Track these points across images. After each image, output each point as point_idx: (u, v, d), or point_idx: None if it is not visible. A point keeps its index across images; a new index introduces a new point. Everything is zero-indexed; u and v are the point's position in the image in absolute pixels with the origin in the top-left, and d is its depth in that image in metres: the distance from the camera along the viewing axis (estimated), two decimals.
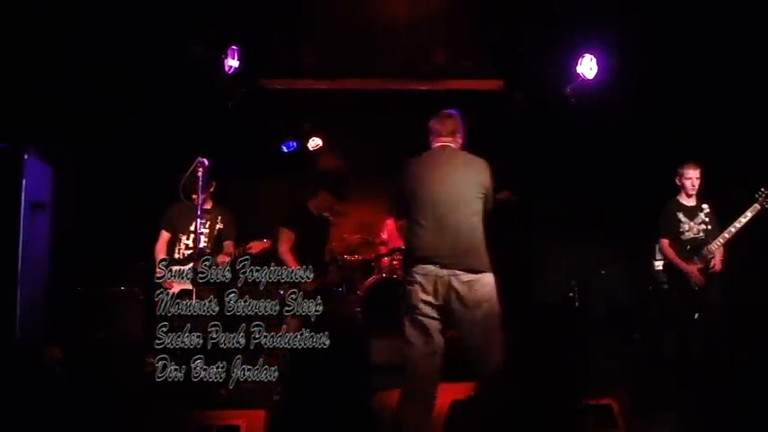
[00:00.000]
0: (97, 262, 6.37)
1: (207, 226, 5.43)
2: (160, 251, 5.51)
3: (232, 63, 6.00)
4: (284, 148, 8.30)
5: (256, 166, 7.92)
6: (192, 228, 5.33)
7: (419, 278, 3.92)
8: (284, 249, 6.03)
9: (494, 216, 4.29)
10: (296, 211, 6.38)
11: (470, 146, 7.41)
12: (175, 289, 5.32)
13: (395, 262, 7.44)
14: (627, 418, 3.93)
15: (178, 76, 6.29)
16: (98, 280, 6.33)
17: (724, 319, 5.41)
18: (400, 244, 7.49)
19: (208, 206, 5.42)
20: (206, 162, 4.81)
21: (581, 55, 6.20)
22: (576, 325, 7.03)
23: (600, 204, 7.35)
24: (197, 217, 4.91)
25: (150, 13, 5.69)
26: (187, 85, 6.42)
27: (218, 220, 5.55)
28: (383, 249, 7.81)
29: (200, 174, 4.83)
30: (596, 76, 6.17)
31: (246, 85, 6.59)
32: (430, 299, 3.91)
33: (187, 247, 5.41)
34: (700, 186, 5.63)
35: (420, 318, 3.93)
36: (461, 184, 4.04)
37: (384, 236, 7.96)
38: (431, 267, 3.91)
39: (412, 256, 4.00)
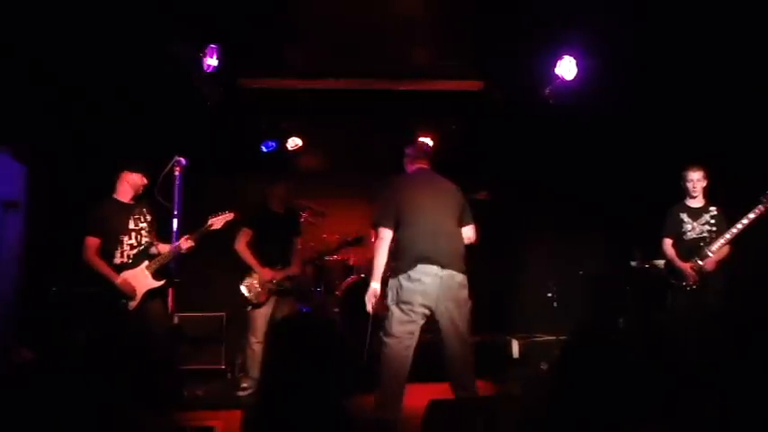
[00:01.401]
0: (72, 262, 6.28)
1: (144, 220, 5.27)
2: (98, 259, 5.10)
3: (211, 62, 5.95)
4: (263, 147, 8.25)
5: (235, 165, 7.87)
6: (131, 226, 5.18)
7: (420, 276, 4.45)
8: (241, 247, 5.93)
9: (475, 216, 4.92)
10: (254, 208, 6.21)
11: (451, 146, 7.45)
12: (141, 291, 5.09)
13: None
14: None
15: (156, 75, 6.23)
16: (73, 281, 6.24)
17: (720, 322, 5.40)
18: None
19: (128, 200, 5.26)
20: (183, 161, 4.78)
21: (560, 56, 6.22)
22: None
23: (579, 205, 7.38)
24: (175, 213, 4.88)
25: (128, 11, 5.63)
26: (165, 83, 6.36)
27: (147, 212, 5.34)
28: (362, 249, 7.78)
29: (177, 173, 4.80)
30: (575, 77, 6.19)
31: (226, 85, 6.54)
32: (428, 296, 4.45)
33: (132, 247, 5.18)
34: (706, 188, 5.65)
35: (412, 314, 4.47)
36: (448, 199, 4.76)
37: (372, 238, 7.92)
38: (434, 268, 4.46)
39: (411, 258, 4.49)
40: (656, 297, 5.93)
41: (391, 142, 8.49)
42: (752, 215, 5.33)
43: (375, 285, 4.65)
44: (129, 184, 5.23)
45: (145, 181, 5.13)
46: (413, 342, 4.51)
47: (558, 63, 6.22)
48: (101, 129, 6.57)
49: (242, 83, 7.39)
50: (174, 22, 5.80)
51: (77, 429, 4.05)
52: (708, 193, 5.67)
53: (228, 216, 5.49)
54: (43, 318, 5.84)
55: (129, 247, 5.17)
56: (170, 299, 4.81)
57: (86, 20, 5.57)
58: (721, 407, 4.29)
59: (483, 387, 5.88)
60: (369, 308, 4.71)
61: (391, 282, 4.63)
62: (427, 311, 4.53)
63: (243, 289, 5.82)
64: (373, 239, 7.69)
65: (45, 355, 5.16)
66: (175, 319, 5.24)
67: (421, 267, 4.47)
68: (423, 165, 4.95)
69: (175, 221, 4.76)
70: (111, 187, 5.26)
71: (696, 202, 5.67)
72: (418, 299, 4.47)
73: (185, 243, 5.22)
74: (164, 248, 5.28)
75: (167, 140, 5.87)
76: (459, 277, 4.60)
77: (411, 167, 4.97)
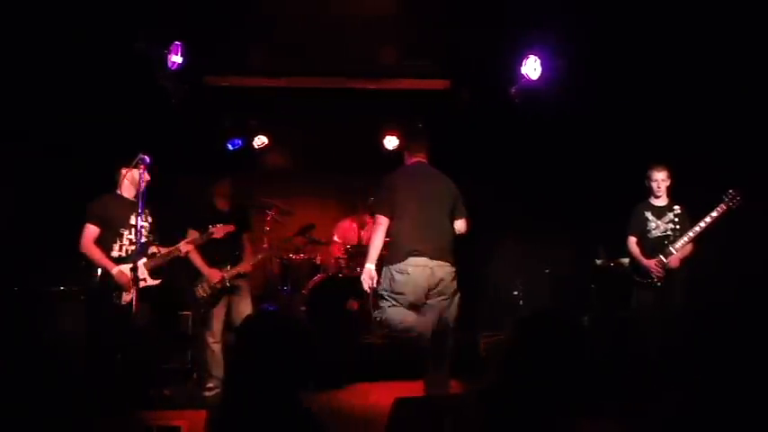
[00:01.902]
0: (36, 261, 6.18)
1: (145, 219, 5.20)
2: (95, 248, 5.12)
3: (176, 59, 5.91)
4: (229, 145, 8.21)
5: (201, 163, 7.80)
6: (133, 221, 5.13)
7: (410, 269, 4.75)
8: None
9: None
10: (199, 209, 5.98)
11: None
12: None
13: (340, 261, 7.44)
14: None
15: (121, 72, 6.15)
16: (37, 279, 6.15)
17: (684, 319, 5.48)
18: (353, 242, 7.54)
19: (131, 197, 5.26)
20: (147, 159, 4.74)
21: (526, 56, 6.28)
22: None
23: (545, 203, 7.44)
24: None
25: (94, 8, 5.56)
26: (130, 80, 6.28)
27: (148, 213, 5.30)
28: (335, 249, 7.79)
29: (141, 171, 4.76)
30: (540, 76, 6.26)
31: (191, 82, 6.48)
32: (418, 288, 4.77)
33: (131, 243, 5.17)
34: (670, 187, 5.74)
35: (402, 303, 4.78)
36: (441, 192, 5.03)
37: (336, 238, 7.94)
38: (423, 259, 4.76)
39: (403, 250, 4.80)
40: (621, 295, 6.02)
41: (358, 140, 8.57)
42: (714, 213, 5.43)
43: (370, 266, 4.91)
44: (129, 181, 5.23)
45: (147, 177, 5.00)
46: (408, 324, 4.79)
47: (524, 63, 6.28)
48: (65, 126, 6.47)
49: (207, 80, 7.35)
50: (139, 19, 5.75)
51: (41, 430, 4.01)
52: (671, 191, 5.76)
53: (230, 228, 5.62)
54: (7, 317, 5.75)
55: (128, 242, 5.17)
56: (134, 297, 4.73)
57: (51, 15, 5.50)
58: (681, 405, 4.37)
59: (452, 385, 5.94)
60: (366, 287, 4.96)
61: (384, 270, 4.92)
62: (416, 301, 4.83)
63: (196, 290, 5.75)
64: (336, 237, 7.86)
65: (9, 355, 5.09)
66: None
67: (412, 260, 4.76)
68: (421, 158, 5.20)
69: (140, 219, 4.70)
70: (114, 184, 5.31)
71: (660, 201, 5.76)
72: (409, 289, 4.77)
73: (185, 247, 5.34)
74: (162, 250, 5.31)
75: (132, 138, 5.81)
76: (449, 268, 4.89)
77: (410, 160, 5.22)
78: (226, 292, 5.78)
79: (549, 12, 5.79)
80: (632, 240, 5.83)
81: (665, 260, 5.56)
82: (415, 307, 4.85)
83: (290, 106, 8.11)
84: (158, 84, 6.06)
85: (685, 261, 5.57)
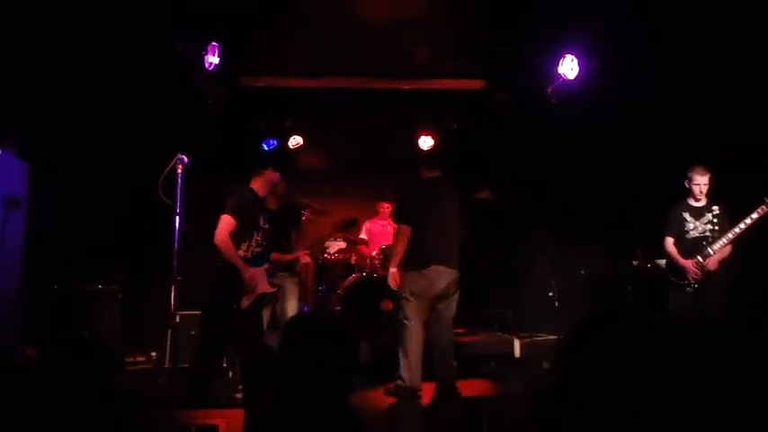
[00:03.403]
0: (74, 260, 6.27)
1: (267, 223, 5.01)
2: (232, 244, 4.67)
3: (213, 60, 5.95)
4: (265, 146, 8.24)
5: (237, 163, 7.85)
6: (261, 223, 4.91)
7: (433, 275, 5.33)
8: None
9: (476, 216, 5.14)
10: (249, 209, 5.80)
11: (452, 145, 7.43)
12: (258, 292, 4.83)
13: (376, 261, 7.43)
14: None
15: (159, 72, 6.22)
16: (75, 278, 6.24)
17: (721, 323, 5.36)
18: (385, 242, 7.54)
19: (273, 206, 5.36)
20: (185, 159, 4.75)
21: (563, 55, 6.22)
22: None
23: (582, 204, 7.37)
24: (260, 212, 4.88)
25: (131, 10, 5.62)
26: (168, 81, 6.35)
27: (269, 216, 5.09)
28: (363, 248, 7.80)
29: (179, 171, 4.77)
30: (577, 76, 6.19)
31: (227, 83, 6.53)
32: (435, 291, 5.34)
33: (258, 245, 4.87)
34: (710, 189, 5.64)
35: (423, 304, 5.36)
36: (454, 204, 5.60)
37: (363, 236, 7.95)
38: (443, 267, 5.36)
39: (424, 257, 5.36)
40: (658, 297, 5.92)
41: (392, 140, 8.56)
42: (755, 215, 5.31)
43: (393, 270, 5.47)
44: (267, 183, 5.02)
45: (279, 182, 5.09)
46: (422, 326, 5.40)
47: (561, 62, 6.22)
48: (103, 126, 6.56)
49: (243, 81, 7.39)
50: (176, 20, 5.80)
51: (79, 428, 4.05)
52: (710, 192, 5.66)
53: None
54: (46, 316, 5.83)
55: (255, 244, 4.87)
56: (172, 297, 4.76)
57: (90, 17, 5.57)
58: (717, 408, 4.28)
59: (486, 387, 5.91)
60: (393, 286, 5.51)
61: (405, 274, 5.42)
62: (431, 304, 5.41)
63: (239, 300, 5.60)
64: (363, 235, 7.89)
65: (48, 353, 5.15)
66: (177, 318, 5.18)
67: (433, 267, 5.34)
68: (437, 173, 5.67)
69: (177, 219, 4.72)
70: (247, 180, 5.01)
71: (698, 202, 5.65)
72: (428, 293, 5.35)
73: (305, 258, 5.56)
74: (277, 256, 5.27)
75: (169, 138, 5.85)
76: (456, 274, 5.46)
77: (427, 174, 5.67)
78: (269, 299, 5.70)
79: (585, 10, 5.73)
80: (669, 241, 5.73)
81: (702, 261, 5.46)
82: (428, 307, 5.42)
83: (324, 106, 8.12)
84: (195, 84, 6.11)
85: (723, 263, 5.46)
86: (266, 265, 4.94)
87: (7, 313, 4.90)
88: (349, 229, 7.78)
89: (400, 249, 5.43)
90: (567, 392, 1.85)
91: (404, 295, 5.43)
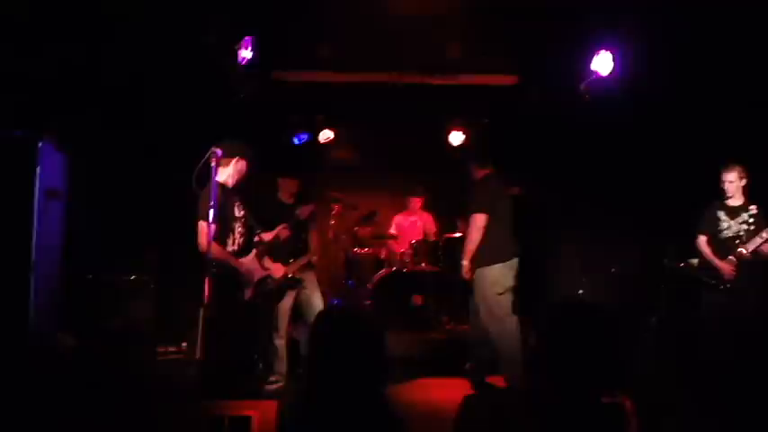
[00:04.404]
0: (110, 250, 6.37)
1: (243, 208, 5.16)
2: (217, 245, 4.69)
3: (245, 54, 5.98)
4: (296, 140, 8.28)
5: (268, 157, 7.91)
6: (236, 213, 5.03)
7: (508, 270, 5.49)
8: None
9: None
10: (264, 202, 5.89)
11: (483, 140, 7.34)
12: (254, 280, 5.02)
13: (406, 257, 7.45)
14: (638, 417, 3.92)
15: (193, 66, 6.28)
16: (110, 268, 6.33)
17: (757, 325, 5.29)
18: (415, 238, 7.56)
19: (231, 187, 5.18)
20: (219, 152, 4.78)
21: (596, 51, 6.16)
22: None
23: (613, 203, 7.30)
24: (237, 203, 4.96)
25: (165, 3, 5.68)
26: (202, 75, 6.41)
27: (241, 201, 5.19)
28: (393, 243, 7.82)
29: (213, 164, 4.81)
30: (611, 72, 6.14)
31: (260, 77, 6.58)
32: (513, 283, 5.50)
33: (241, 235, 5.04)
34: (746, 186, 5.56)
35: (508, 297, 5.48)
36: (510, 201, 5.79)
37: (393, 230, 7.98)
38: (515, 260, 5.55)
39: (506, 250, 5.54)
40: (691, 296, 5.87)
41: (423, 136, 8.55)
42: None
43: (467, 263, 5.53)
44: (235, 171, 5.07)
45: (248, 168, 5.11)
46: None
47: (595, 58, 6.16)
48: (138, 119, 6.64)
49: (275, 75, 7.44)
50: (209, 13, 5.85)
51: (109, 416, 4.13)
52: (748, 191, 5.57)
53: (312, 207, 5.92)
54: (82, 305, 5.93)
55: (239, 235, 5.01)
56: (206, 288, 4.80)
57: (126, 12, 5.63)
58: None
59: None
60: (467, 278, 5.60)
61: (488, 271, 5.47)
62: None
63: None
64: (393, 230, 7.90)
65: (86, 341, 5.24)
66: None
67: (511, 261, 5.53)
68: (492, 169, 5.79)
69: (211, 211, 4.76)
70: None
71: (735, 201, 5.57)
72: (509, 285, 5.51)
73: (284, 232, 5.44)
74: (266, 237, 5.29)
75: (203, 131, 5.91)
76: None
77: (483, 171, 5.77)
78: (291, 286, 5.80)
79: (620, 5, 5.68)
80: (703, 240, 5.66)
81: (735, 260, 5.38)
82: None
83: (355, 101, 8.14)
84: (228, 78, 6.16)
85: (759, 262, 5.37)
86: (254, 251, 5.11)
87: (47, 301, 4.99)
88: (368, 222, 7.81)
89: (475, 241, 5.48)
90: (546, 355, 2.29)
91: (498, 291, 5.45)
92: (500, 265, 5.48)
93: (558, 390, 2.22)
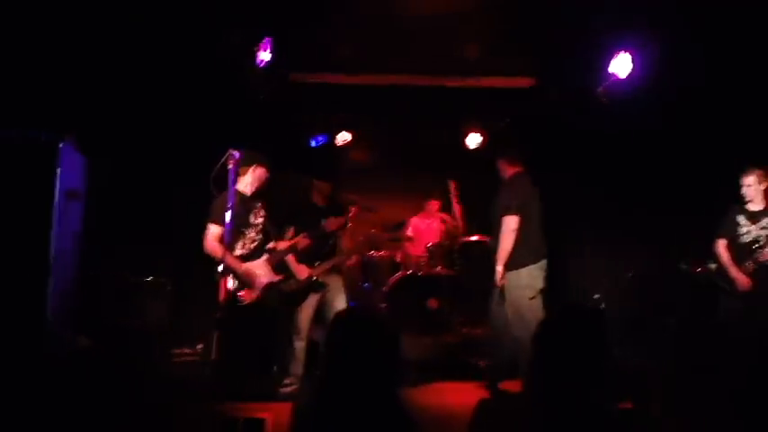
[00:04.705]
0: (127, 251, 6.40)
1: (261, 215, 5.32)
2: (219, 246, 4.87)
3: (264, 56, 5.99)
4: (313, 142, 8.29)
5: (285, 159, 7.92)
6: (251, 220, 5.23)
7: (539, 271, 5.40)
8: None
9: None
10: (296, 204, 6.10)
11: (501, 143, 7.33)
12: (263, 283, 5.11)
13: (422, 260, 7.43)
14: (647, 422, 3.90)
15: (211, 68, 6.31)
16: (126, 269, 6.37)
17: None
18: (431, 241, 7.53)
19: (249, 194, 5.29)
20: (237, 154, 4.80)
21: (615, 53, 6.12)
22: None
23: (632, 205, 7.25)
24: (250, 208, 5.04)
25: (183, 4, 5.71)
26: (220, 77, 6.43)
27: (261, 208, 5.36)
28: (409, 246, 7.80)
29: (230, 166, 4.82)
30: (629, 74, 6.09)
31: (278, 79, 6.59)
32: (542, 285, 5.40)
33: (252, 240, 5.23)
34: (767, 190, 5.48)
35: (539, 301, 5.35)
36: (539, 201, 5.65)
37: (409, 233, 7.96)
38: (544, 261, 5.45)
39: (539, 251, 5.46)
40: (709, 300, 5.81)
41: (440, 138, 8.54)
42: None
43: (500, 268, 5.40)
44: (255, 179, 5.25)
45: (268, 175, 5.19)
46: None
47: (613, 60, 6.12)
48: (156, 121, 6.68)
49: (293, 77, 7.45)
50: (228, 15, 5.87)
51: (125, 417, 4.14)
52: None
53: (341, 221, 5.83)
54: (98, 306, 5.97)
55: (249, 241, 5.20)
56: (222, 291, 4.82)
57: (144, 13, 5.67)
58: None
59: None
60: (500, 284, 5.46)
61: (519, 273, 5.37)
62: None
63: (284, 285, 5.59)
64: (410, 233, 7.88)
65: (101, 343, 5.26)
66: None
67: (542, 263, 5.45)
68: (522, 168, 5.71)
69: (228, 214, 4.77)
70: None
71: (755, 205, 5.49)
72: (541, 287, 5.42)
73: (303, 241, 5.46)
74: (282, 245, 5.40)
75: (220, 134, 5.93)
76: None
77: (513, 169, 5.69)
78: (314, 289, 5.80)
79: (638, 7, 5.64)
80: (721, 244, 5.58)
81: (753, 265, 5.30)
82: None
83: (372, 103, 8.12)
84: (247, 80, 6.18)
85: None
86: (265, 256, 5.21)
87: (65, 302, 5.02)
88: (397, 231, 7.82)
89: (509, 245, 5.35)
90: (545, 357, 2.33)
91: (530, 296, 5.34)
92: (531, 267, 5.38)
93: (553, 394, 2.22)
